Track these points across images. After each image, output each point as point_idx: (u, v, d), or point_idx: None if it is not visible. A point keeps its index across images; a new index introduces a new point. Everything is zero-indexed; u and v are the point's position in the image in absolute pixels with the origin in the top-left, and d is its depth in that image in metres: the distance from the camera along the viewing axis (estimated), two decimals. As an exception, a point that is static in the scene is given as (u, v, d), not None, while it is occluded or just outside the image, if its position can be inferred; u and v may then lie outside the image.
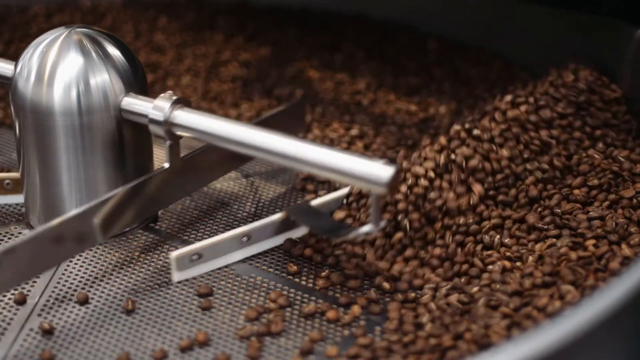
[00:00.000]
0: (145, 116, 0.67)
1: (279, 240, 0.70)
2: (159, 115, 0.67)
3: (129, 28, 1.07)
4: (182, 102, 0.68)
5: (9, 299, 0.65)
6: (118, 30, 1.05)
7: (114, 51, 0.69)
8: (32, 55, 0.68)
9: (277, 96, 0.93)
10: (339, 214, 0.70)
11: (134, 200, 0.68)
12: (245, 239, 0.68)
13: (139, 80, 0.69)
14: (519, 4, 0.95)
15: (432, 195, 0.68)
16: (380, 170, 0.61)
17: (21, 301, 0.65)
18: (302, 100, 0.82)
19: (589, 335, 0.48)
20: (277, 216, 0.70)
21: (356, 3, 1.10)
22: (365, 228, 0.63)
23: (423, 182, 0.69)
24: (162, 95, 0.68)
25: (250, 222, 0.74)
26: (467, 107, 0.89)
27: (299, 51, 1.02)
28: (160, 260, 0.69)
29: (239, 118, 0.89)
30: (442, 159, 0.70)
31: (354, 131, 0.85)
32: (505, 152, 0.71)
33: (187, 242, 0.71)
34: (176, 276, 0.66)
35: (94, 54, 0.68)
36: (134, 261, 0.69)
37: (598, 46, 0.88)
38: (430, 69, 0.98)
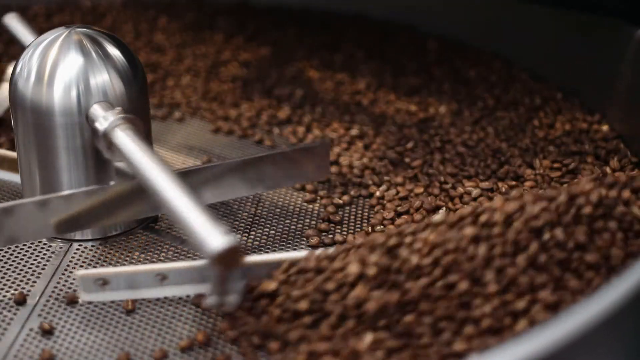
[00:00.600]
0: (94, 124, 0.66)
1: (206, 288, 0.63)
2: (100, 129, 0.65)
3: (129, 28, 1.07)
4: (131, 122, 0.65)
5: (9, 299, 0.65)
6: (118, 30, 1.05)
7: (114, 51, 0.69)
8: (32, 55, 0.68)
9: (277, 96, 0.93)
10: (270, 285, 0.61)
11: (77, 210, 0.67)
12: (159, 277, 0.64)
13: (139, 81, 0.69)
14: (519, 4, 0.95)
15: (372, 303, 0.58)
16: (213, 240, 0.56)
17: (21, 301, 0.65)
18: (328, 144, 0.75)
19: (588, 336, 0.48)
20: (199, 262, 0.64)
21: (356, 3, 1.10)
22: (210, 300, 0.59)
23: (360, 291, 0.57)
24: (114, 110, 0.66)
25: (250, 222, 0.74)
26: (467, 107, 0.89)
27: (299, 51, 1.02)
28: (160, 260, 0.69)
29: (239, 118, 0.89)
30: (385, 260, 0.58)
31: (354, 131, 0.85)
32: (482, 250, 0.58)
33: (187, 242, 0.71)
34: (83, 296, 0.64)
35: (94, 54, 0.68)
36: (133, 261, 0.69)
37: (598, 46, 0.88)
38: (430, 69, 0.98)
